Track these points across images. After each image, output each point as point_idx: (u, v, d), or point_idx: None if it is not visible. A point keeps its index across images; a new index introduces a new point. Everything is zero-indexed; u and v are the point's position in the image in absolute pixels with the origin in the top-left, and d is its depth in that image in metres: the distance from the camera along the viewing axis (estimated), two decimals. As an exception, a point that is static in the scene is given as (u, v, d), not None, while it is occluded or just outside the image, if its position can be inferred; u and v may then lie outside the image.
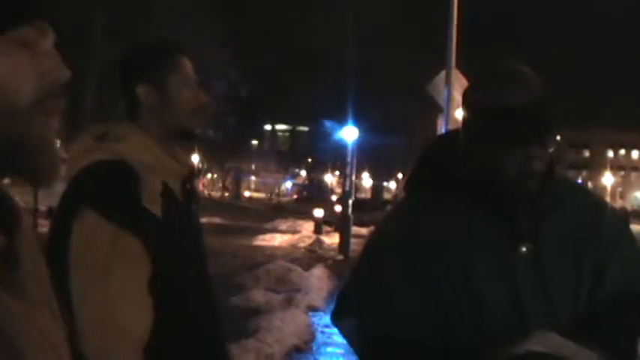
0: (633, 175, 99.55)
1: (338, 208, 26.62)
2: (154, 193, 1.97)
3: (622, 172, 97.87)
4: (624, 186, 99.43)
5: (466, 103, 1.82)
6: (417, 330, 1.76)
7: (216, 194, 71.38)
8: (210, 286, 2.20)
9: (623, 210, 38.35)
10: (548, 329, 1.67)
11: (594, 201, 1.97)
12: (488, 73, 1.83)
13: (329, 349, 8.80)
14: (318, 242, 22.42)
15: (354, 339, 1.91)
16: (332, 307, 1.99)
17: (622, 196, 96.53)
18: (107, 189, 1.95)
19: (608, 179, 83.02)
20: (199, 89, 2.18)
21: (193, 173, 2.19)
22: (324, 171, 69.94)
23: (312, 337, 9.23)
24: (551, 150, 1.75)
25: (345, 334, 1.95)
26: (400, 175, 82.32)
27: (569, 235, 1.83)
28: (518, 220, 1.78)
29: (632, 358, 1.85)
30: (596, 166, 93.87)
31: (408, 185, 2.00)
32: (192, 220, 2.17)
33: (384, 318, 1.80)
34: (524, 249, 1.78)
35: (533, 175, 1.73)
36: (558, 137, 1.76)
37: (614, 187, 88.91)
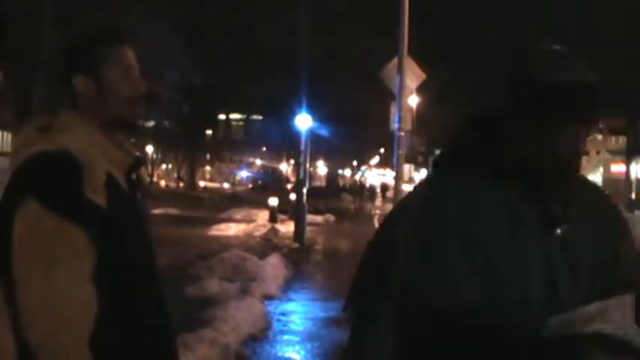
0: (584, 159, 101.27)
1: (293, 197, 26.56)
2: (97, 184, 1.97)
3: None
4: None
5: (526, 78, 1.74)
6: (475, 301, 1.70)
7: (171, 184, 70.76)
8: (157, 275, 2.19)
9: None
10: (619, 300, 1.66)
11: (606, 197, 2.00)
12: (543, 50, 1.78)
13: (285, 337, 8.82)
14: (273, 231, 22.35)
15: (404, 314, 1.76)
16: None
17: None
18: (50, 179, 1.94)
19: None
20: (140, 79, 2.17)
21: (139, 163, 2.18)
22: (279, 159, 69.79)
23: (268, 326, 9.24)
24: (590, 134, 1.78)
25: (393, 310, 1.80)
26: (355, 163, 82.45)
27: (588, 225, 1.84)
28: (554, 202, 1.79)
29: None
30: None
31: (438, 163, 1.90)
32: (138, 210, 2.16)
33: (443, 288, 1.70)
34: (559, 231, 1.79)
35: (579, 156, 1.77)
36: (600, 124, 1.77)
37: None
